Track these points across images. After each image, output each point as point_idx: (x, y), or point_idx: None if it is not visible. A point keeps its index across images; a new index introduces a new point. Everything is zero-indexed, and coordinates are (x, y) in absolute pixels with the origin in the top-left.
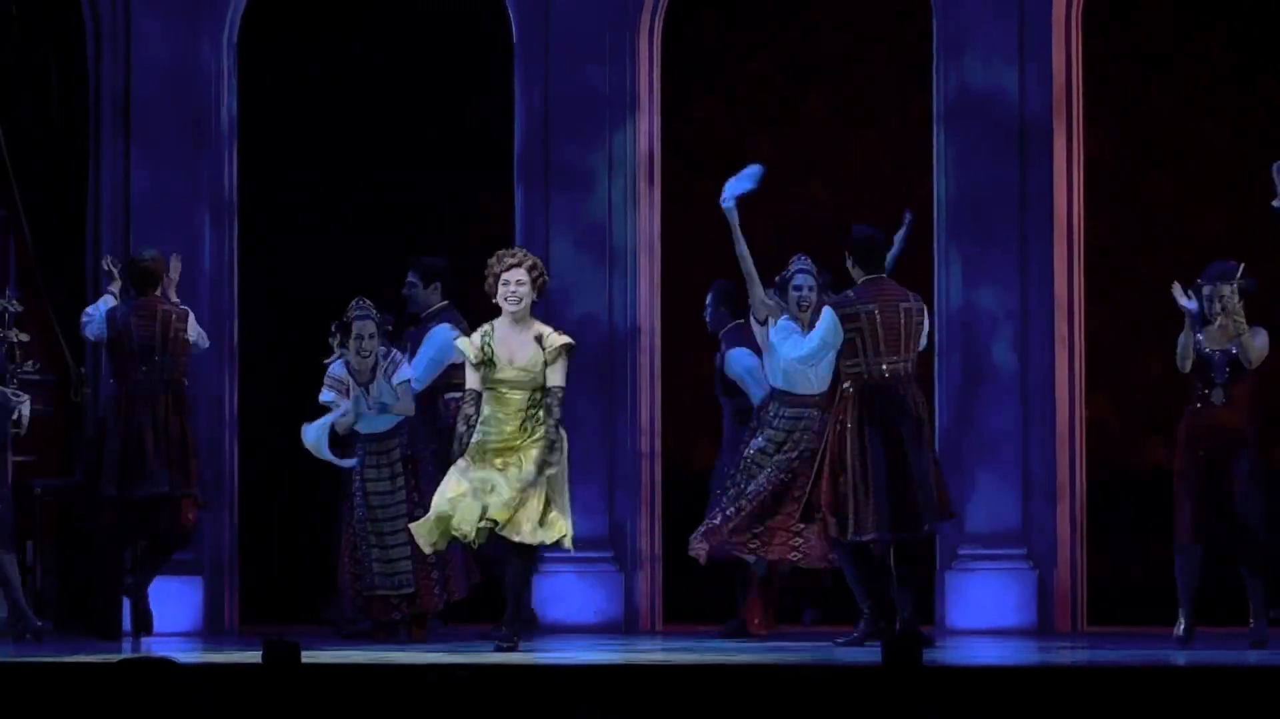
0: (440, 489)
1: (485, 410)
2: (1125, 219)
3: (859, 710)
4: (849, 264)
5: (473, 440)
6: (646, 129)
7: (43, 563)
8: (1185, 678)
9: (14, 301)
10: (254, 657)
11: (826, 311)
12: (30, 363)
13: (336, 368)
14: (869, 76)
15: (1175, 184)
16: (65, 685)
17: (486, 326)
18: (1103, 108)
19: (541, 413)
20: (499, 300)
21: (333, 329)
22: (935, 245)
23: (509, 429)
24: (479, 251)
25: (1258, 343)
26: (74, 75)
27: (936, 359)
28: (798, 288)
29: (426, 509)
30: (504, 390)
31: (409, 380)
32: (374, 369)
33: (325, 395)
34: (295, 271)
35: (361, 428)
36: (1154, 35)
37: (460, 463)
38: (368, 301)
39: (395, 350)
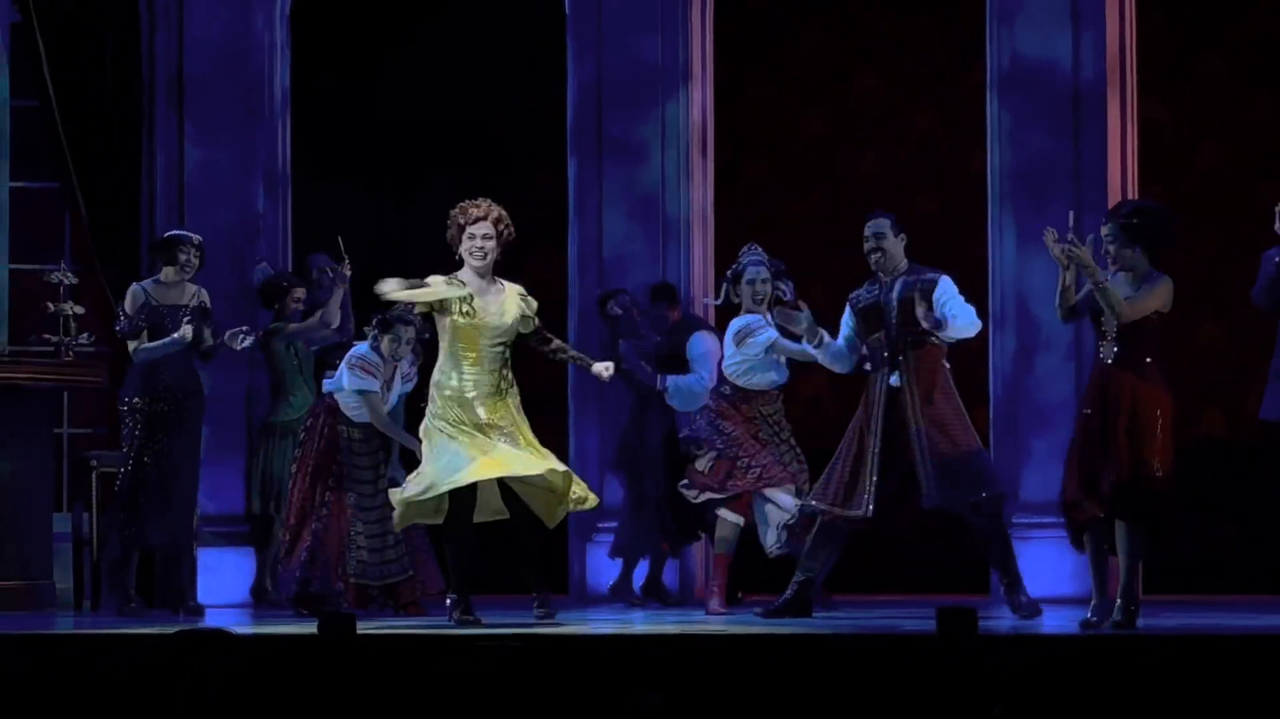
0: (445, 466)
1: (463, 367)
2: (1178, 188)
3: (914, 680)
4: (899, 239)
5: (452, 400)
6: (699, 100)
7: (98, 535)
8: (1241, 646)
9: (69, 274)
10: (309, 628)
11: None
12: (85, 335)
13: (366, 351)
14: (921, 48)
15: (1228, 154)
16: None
17: (454, 280)
18: (1156, 77)
19: (556, 352)
20: (463, 253)
21: (374, 320)
22: (989, 216)
23: (487, 384)
24: (532, 225)
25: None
26: (128, 50)
27: (990, 329)
28: (751, 280)
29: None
30: (485, 343)
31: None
32: (393, 374)
33: (355, 383)
34: (348, 244)
35: (358, 418)
36: (1207, 3)
37: (456, 436)
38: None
39: (414, 368)
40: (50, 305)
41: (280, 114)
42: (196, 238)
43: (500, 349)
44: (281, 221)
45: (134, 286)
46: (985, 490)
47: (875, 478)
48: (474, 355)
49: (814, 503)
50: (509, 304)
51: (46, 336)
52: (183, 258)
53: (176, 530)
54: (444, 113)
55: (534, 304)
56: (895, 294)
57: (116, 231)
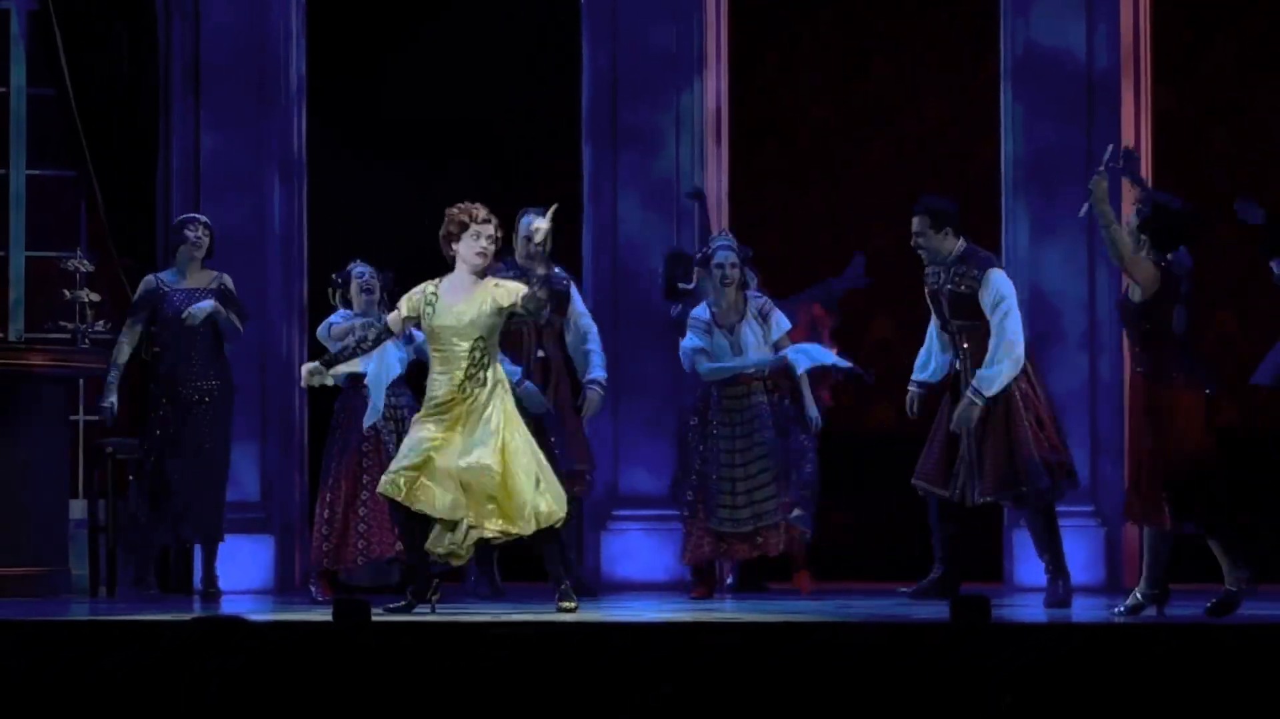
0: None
1: (434, 366)
2: (1192, 177)
3: (927, 668)
4: (942, 233)
5: (427, 397)
6: (714, 88)
7: (114, 522)
8: (1256, 635)
9: (85, 262)
10: (324, 615)
11: (1000, 275)
12: (101, 323)
13: (334, 318)
14: (935, 37)
15: (1241, 143)
16: (138, 643)
17: (430, 285)
18: (1170, 66)
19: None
20: (461, 251)
21: (335, 280)
22: (1002, 205)
23: (452, 384)
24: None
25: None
26: (144, 38)
27: None
28: (720, 265)
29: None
30: (448, 342)
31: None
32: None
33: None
34: (363, 231)
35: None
36: None
37: (420, 430)
38: (366, 267)
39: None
40: (66, 292)
41: (296, 102)
42: (204, 218)
43: (468, 348)
44: (297, 210)
45: (147, 275)
46: (1025, 484)
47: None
48: (440, 355)
49: (915, 480)
50: (474, 303)
51: (63, 324)
52: (190, 235)
53: (206, 522)
54: (459, 101)
55: (513, 289)
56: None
57: (132, 219)
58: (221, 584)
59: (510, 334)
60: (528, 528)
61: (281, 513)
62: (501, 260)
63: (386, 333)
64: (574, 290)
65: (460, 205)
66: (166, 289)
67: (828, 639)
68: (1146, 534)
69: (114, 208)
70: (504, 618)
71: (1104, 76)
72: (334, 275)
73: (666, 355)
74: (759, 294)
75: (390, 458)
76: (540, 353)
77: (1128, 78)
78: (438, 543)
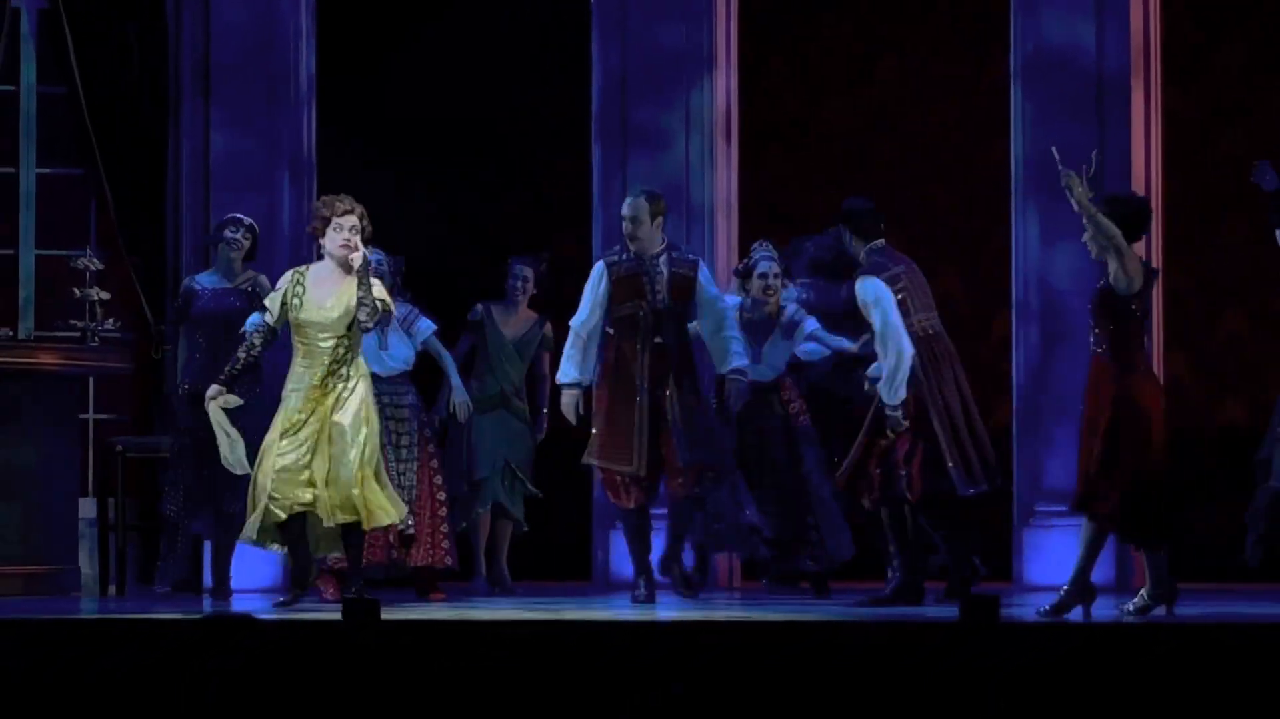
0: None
1: (296, 359)
2: (1201, 178)
3: (936, 666)
4: (845, 237)
5: (287, 390)
6: (724, 88)
7: (124, 520)
8: (1263, 634)
9: (95, 260)
10: (334, 614)
11: (874, 282)
12: (111, 321)
13: None
14: (945, 36)
15: (1251, 143)
16: (148, 642)
17: (297, 274)
18: (1179, 67)
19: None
20: (326, 245)
21: None
22: (1012, 205)
23: (312, 380)
24: (556, 212)
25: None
26: (154, 37)
27: (1014, 318)
28: (763, 275)
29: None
30: (312, 336)
31: (434, 330)
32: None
33: None
34: (372, 231)
35: (375, 366)
36: None
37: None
38: (381, 253)
39: (411, 305)
40: (76, 291)
41: (306, 101)
42: (247, 219)
43: (332, 344)
44: (306, 209)
45: (184, 279)
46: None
47: None
48: (304, 349)
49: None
50: (340, 299)
51: (73, 322)
52: (229, 235)
53: (229, 520)
54: (468, 100)
55: (375, 289)
56: None
57: (142, 218)
58: (231, 583)
59: (625, 320)
60: (367, 520)
61: None
62: (618, 246)
63: (271, 335)
64: (702, 272)
65: (324, 199)
66: (198, 288)
67: (837, 638)
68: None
69: (124, 206)
70: (514, 617)
71: (1114, 77)
72: None
73: None
74: (795, 305)
75: (390, 459)
76: (658, 339)
77: (1137, 78)
78: (313, 541)
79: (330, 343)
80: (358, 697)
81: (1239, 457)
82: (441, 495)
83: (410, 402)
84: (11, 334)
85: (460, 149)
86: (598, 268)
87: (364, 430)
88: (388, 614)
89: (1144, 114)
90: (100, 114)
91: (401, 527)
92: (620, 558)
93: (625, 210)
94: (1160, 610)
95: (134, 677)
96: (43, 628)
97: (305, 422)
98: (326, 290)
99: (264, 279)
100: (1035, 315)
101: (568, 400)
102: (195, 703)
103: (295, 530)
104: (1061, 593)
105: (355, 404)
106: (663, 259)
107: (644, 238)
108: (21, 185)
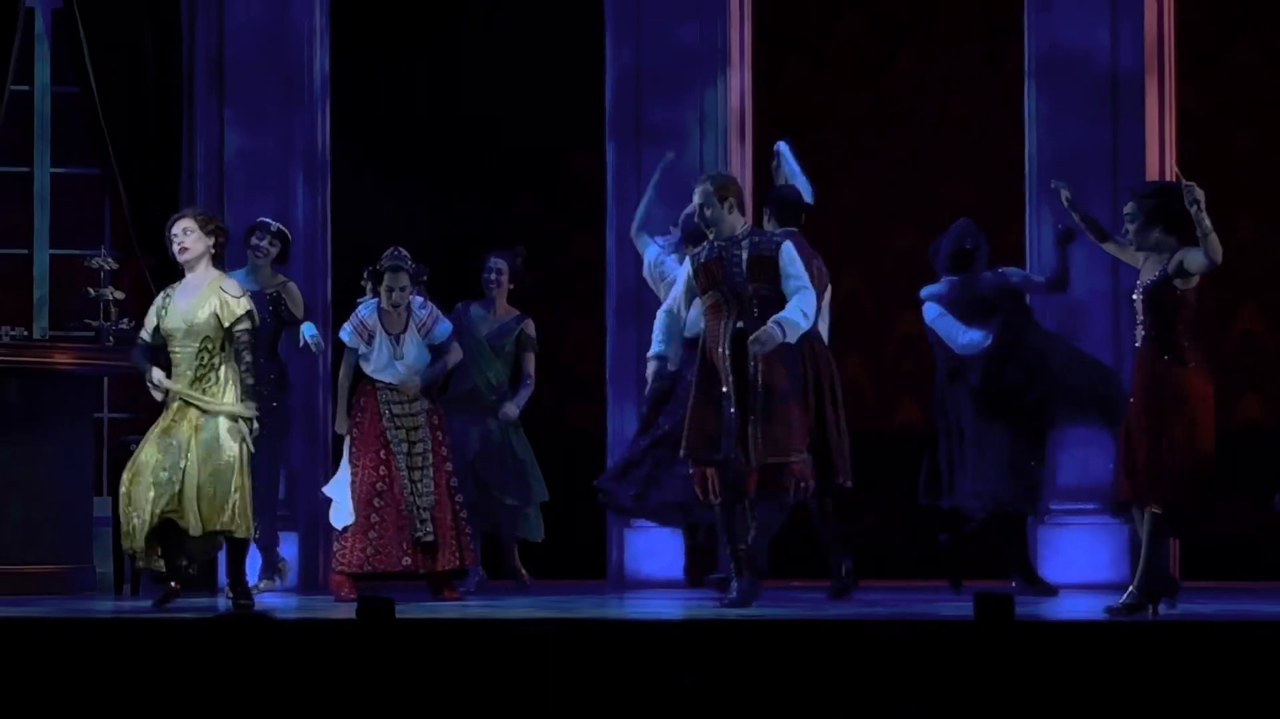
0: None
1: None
2: (1216, 175)
3: (950, 665)
4: (765, 218)
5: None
6: (738, 86)
7: None
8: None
9: (109, 260)
10: (349, 612)
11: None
12: (125, 320)
13: (366, 310)
14: (959, 34)
15: (1265, 141)
16: (163, 640)
17: (169, 289)
18: (1193, 63)
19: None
20: (174, 253)
21: (365, 275)
22: (1027, 203)
23: (179, 387)
24: (570, 210)
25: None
26: (168, 36)
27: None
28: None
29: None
30: (176, 346)
31: (451, 332)
32: (406, 321)
33: (343, 333)
34: (387, 229)
35: (386, 376)
36: None
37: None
38: (403, 251)
39: (432, 305)
40: (91, 290)
41: (320, 100)
42: (275, 225)
43: (194, 351)
44: (320, 208)
45: None
46: None
47: None
48: (174, 356)
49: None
50: (196, 307)
51: (87, 321)
52: (255, 241)
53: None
54: (483, 98)
55: (235, 309)
56: None
57: (156, 217)
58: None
59: (711, 310)
60: (228, 528)
61: (306, 511)
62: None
63: (148, 350)
64: (785, 252)
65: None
66: None
67: (852, 635)
68: (1146, 531)
69: (138, 205)
70: (528, 615)
71: (1128, 74)
72: (369, 267)
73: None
74: None
75: (401, 465)
76: (739, 323)
77: (1152, 75)
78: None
79: (193, 348)
80: (372, 696)
81: (1255, 454)
82: (459, 498)
83: (422, 408)
84: (26, 333)
85: (474, 148)
86: (686, 262)
87: (237, 446)
88: (402, 613)
89: (1158, 111)
90: (114, 113)
91: (420, 534)
92: (634, 557)
93: (694, 199)
94: (1163, 606)
95: (149, 675)
96: (57, 627)
97: (166, 424)
98: (187, 298)
99: (293, 285)
100: (1050, 313)
101: (648, 369)
102: (210, 702)
103: (171, 539)
104: (1130, 592)
105: (220, 423)
106: (745, 241)
107: (718, 221)
108: (36, 185)
